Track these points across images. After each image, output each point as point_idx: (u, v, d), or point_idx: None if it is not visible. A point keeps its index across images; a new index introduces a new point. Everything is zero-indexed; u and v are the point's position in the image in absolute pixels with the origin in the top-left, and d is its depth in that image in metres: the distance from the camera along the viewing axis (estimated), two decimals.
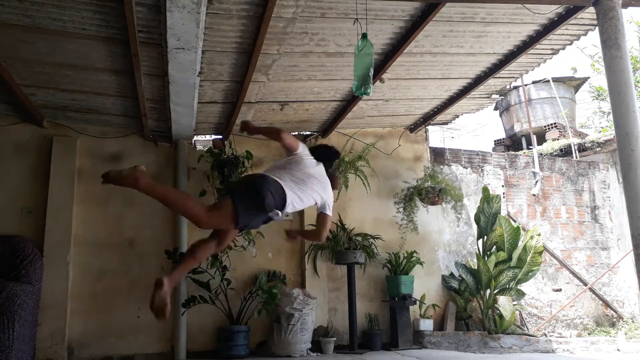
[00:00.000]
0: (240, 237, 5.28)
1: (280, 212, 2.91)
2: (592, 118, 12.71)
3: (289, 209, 3.01)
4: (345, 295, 5.57)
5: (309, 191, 3.11)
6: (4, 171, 5.08)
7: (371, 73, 3.25)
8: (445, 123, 6.83)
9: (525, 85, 9.78)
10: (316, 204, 3.22)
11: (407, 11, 3.69)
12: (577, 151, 8.19)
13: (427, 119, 6.19)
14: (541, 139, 9.26)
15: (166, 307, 2.71)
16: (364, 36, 3.25)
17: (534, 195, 7.13)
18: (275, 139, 3.30)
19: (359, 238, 5.74)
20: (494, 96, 5.77)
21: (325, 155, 3.47)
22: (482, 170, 6.94)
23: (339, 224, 5.82)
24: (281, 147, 3.20)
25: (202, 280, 5.11)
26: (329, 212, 3.29)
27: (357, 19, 3.36)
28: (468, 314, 6.05)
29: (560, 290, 6.90)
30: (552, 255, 6.97)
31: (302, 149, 3.22)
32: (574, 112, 10.36)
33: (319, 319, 5.49)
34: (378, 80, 4.65)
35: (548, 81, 9.96)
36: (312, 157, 3.26)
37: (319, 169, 3.28)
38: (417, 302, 5.77)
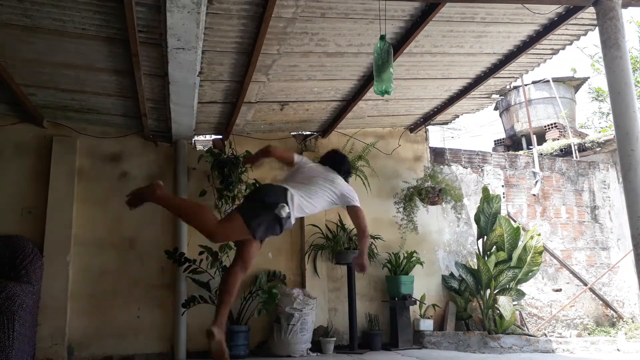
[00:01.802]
0: None
1: (287, 207, 2.92)
2: (592, 118, 12.72)
3: (298, 212, 3.04)
4: (345, 295, 5.57)
5: (317, 190, 3.16)
6: (4, 171, 5.08)
7: (392, 71, 3.29)
8: (446, 123, 6.82)
9: (526, 85, 9.78)
10: (333, 202, 3.26)
11: (407, 11, 3.69)
12: (577, 151, 8.20)
13: (427, 119, 6.19)
14: (541, 139, 9.26)
15: (224, 353, 2.93)
16: (382, 38, 3.32)
17: (534, 195, 7.14)
18: (268, 157, 3.47)
19: None
20: (494, 96, 5.77)
21: (330, 160, 3.55)
22: (482, 170, 6.94)
23: (339, 224, 5.82)
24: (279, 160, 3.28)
25: (202, 280, 5.11)
26: (355, 203, 3.36)
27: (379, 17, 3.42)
28: (468, 314, 6.05)
29: (560, 290, 6.90)
30: (552, 255, 6.97)
31: (299, 158, 3.36)
32: (574, 112, 10.37)
33: (319, 319, 5.49)
34: None
35: (548, 81, 9.97)
36: (314, 163, 3.40)
37: (324, 170, 3.34)
38: (417, 302, 5.77)
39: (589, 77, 10.86)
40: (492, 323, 5.89)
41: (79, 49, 3.78)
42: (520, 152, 8.72)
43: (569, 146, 8.36)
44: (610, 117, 8.31)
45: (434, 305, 6.01)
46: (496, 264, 5.87)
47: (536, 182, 7.17)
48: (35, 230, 4.95)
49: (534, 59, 4.78)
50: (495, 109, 10.79)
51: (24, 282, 4.39)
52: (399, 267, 5.75)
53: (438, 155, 6.75)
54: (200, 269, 5.10)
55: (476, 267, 6.05)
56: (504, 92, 8.90)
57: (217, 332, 2.87)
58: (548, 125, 9.59)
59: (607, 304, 7.08)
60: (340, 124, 5.78)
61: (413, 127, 6.46)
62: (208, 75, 4.30)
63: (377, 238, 5.84)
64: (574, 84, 10.51)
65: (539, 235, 6.18)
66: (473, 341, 5.65)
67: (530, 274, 6.06)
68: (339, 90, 5.01)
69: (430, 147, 6.69)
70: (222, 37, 3.70)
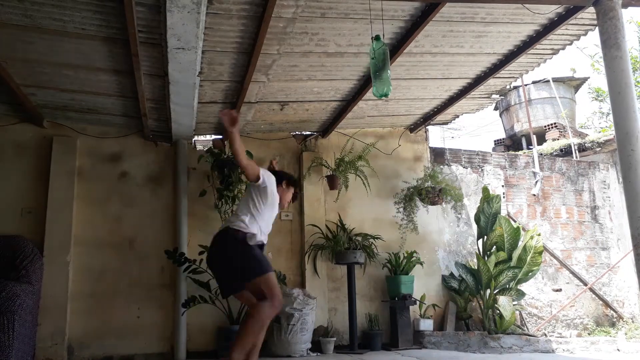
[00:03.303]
0: None
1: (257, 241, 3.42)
2: (592, 118, 12.73)
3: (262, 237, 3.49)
4: (345, 295, 5.57)
5: (270, 214, 3.57)
6: (4, 171, 5.08)
7: (389, 72, 3.28)
8: (446, 123, 6.82)
9: (525, 85, 9.79)
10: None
11: (407, 11, 3.69)
12: (577, 151, 8.20)
13: (427, 119, 6.18)
14: (541, 139, 9.26)
15: None
16: (377, 38, 3.27)
17: (534, 195, 7.13)
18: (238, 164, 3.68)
19: (359, 238, 5.74)
20: (494, 96, 5.76)
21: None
22: (482, 170, 6.94)
23: (339, 224, 5.82)
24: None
25: (202, 280, 5.11)
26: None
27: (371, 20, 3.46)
28: (468, 314, 6.05)
29: (560, 290, 6.90)
30: (552, 255, 6.97)
31: (263, 174, 3.51)
32: (574, 112, 10.37)
33: (319, 319, 5.49)
34: None
35: (548, 81, 9.97)
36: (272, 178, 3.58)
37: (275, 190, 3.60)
38: (417, 302, 5.77)
39: (588, 77, 10.87)
40: (492, 323, 5.89)
41: (79, 49, 3.78)
42: (520, 152, 8.72)
43: (569, 146, 8.36)
44: (610, 117, 8.31)
45: (434, 305, 6.01)
46: (496, 264, 5.87)
47: (536, 182, 7.17)
48: (35, 230, 4.95)
49: (534, 59, 4.78)
50: (495, 109, 10.80)
51: (24, 282, 4.39)
52: (399, 267, 5.75)
53: (438, 155, 6.75)
54: (200, 269, 5.10)
55: (476, 267, 6.05)
56: (504, 92, 8.89)
57: None
58: (548, 126, 9.59)
59: (607, 304, 7.07)
60: (340, 124, 5.78)
61: (413, 127, 6.46)
62: (208, 75, 4.30)
63: (377, 238, 5.84)
64: (574, 84, 10.51)
65: (539, 235, 6.18)
66: (473, 341, 5.65)
67: (530, 274, 6.06)
68: (339, 90, 5.01)
69: (430, 147, 6.69)
70: (222, 37, 3.70)
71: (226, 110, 3.41)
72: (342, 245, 5.57)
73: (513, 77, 5.29)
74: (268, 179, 3.50)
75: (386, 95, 3.26)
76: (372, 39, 3.29)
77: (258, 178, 3.42)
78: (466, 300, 6.05)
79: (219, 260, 3.47)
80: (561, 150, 8.54)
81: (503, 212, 6.55)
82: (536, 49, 4.41)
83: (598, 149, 8.01)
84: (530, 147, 8.26)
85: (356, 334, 5.38)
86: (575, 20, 3.92)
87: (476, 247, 6.37)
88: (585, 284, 6.99)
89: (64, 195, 5.09)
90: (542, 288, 6.81)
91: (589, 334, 6.67)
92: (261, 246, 3.48)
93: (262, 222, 3.45)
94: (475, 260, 6.19)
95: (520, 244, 6.08)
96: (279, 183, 3.67)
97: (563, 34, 4.26)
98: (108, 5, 3.18)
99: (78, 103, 4.92)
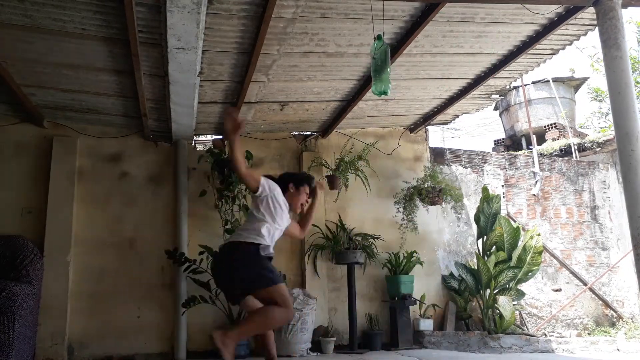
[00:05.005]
0: None
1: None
2: (592, 118, 12.72)
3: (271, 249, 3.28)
4: (345, 295, 5.57)
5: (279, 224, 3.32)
6: (4, 171, 5.08)
7: (389, 71, 3.29)
8: (445, 123, 6.82)
9: (525, 85, 9.78)
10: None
11: (407, 11, 3.69)
12: (577, 151, 8.20)
13: (427, 119, 6.19)
14: (541, 139, 9.26)
15: None
16: (379, 37, 3.30)
17: (534, 195, 7.14)
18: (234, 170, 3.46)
19: (359, 238, 5.74)
20: (493, 96, 5.77)
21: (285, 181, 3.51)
22: (482, 170, 6.94)
23: (339, 224, 5.82)
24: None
25: (202, 280, 5.11)
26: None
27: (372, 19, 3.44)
28: (468, 314, 6.05)
29: (560, 290, 6.90)
30: (552, 255, 6.97)
31: (263, 184, 3.24)
32: (574, 112, 10.37)
33: (319, 319, 5.49)
34: None
35: (548, 81, 9.97)
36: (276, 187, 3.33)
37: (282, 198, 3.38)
38: (417, 302, 5.77)
39: (588, 77, 10.86)
40: (492, 323, 5.89)
41: (79, 49, 3.79)
42: (520, 152, 8.72)
43: (569, 146, 8.37)
44: (610, 117, 8.31)
45: (433, 305, 6.01)
46: (496, 264, 5.87)
47: (536, 182, 7.17)
48: (35, 230, 4.95)
49: (533, 59, 4.78)
50: (495, 109, 10.79)
51: (25, 282, 4.39)
52: (399, 267, 5.75)
53: (438, 155, 6.75)
54: (200, 269, 5.10)
55: (476, 267, 6.05)
56: (503, 92, 8.89)
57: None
58: (548, 126, 9.59)
59: (607, 304, 7.08)
60: (340, 124, 5.78)
61: (413, 127, 6.46)
62: (208, 75, 4.31)
63: (377, 238, 5.84)
64: (574, 84, 10.51)
65: (539, 235, 6.18)
66: (473, 341, 5.65)
67: (530, 273, 6.06)
68: (339, 90, 5.01)
69: (430, 147, 6.69)
70: (222, 37, 3.70)
71: (232, 110, 3.32)
72: (342, 245, 5.57)
73: (513, 77, 5.30)
74: (270, 187, 3.24)
75: (385, 93, 3.27)
76: (374, 38, 3.32)
77: (257, 189, 3.19)
78: (466, 300, 6.05)
79: (226, 270, 3.22)
80: (561, 150, 8.54)
81: (503, 212, 6.55)
82: (536, 49, 4.41)
83: (598, 149, 8.02)
84: (530, 147, 8.26)
85: (356, 333, 5.38)
86: (575, 20, 3.93)
87: (476, 247, 6.37)
88: (585, 284, 6.99)
89: (64, 195, 5.09)
90: (542, 288, 6.81)
91: (588, 334, 6.67)
92: (270, 258, 3.24)
93: (272, 232, 3.25)
94: (475, 260, 6.19)
95: (520, 244, 6.08)
96: (284, 189, 3.38)
97: (563, 34, 4.26)
98: (108, 5, 3.18)
99: (78, 103, 4.92)
